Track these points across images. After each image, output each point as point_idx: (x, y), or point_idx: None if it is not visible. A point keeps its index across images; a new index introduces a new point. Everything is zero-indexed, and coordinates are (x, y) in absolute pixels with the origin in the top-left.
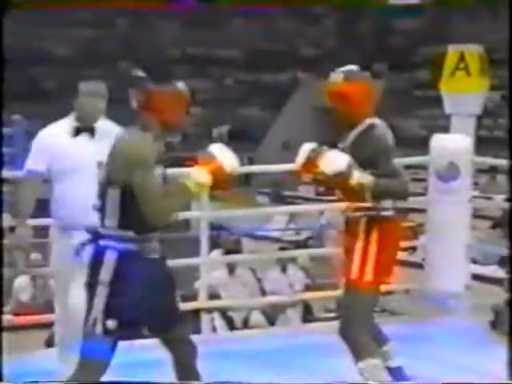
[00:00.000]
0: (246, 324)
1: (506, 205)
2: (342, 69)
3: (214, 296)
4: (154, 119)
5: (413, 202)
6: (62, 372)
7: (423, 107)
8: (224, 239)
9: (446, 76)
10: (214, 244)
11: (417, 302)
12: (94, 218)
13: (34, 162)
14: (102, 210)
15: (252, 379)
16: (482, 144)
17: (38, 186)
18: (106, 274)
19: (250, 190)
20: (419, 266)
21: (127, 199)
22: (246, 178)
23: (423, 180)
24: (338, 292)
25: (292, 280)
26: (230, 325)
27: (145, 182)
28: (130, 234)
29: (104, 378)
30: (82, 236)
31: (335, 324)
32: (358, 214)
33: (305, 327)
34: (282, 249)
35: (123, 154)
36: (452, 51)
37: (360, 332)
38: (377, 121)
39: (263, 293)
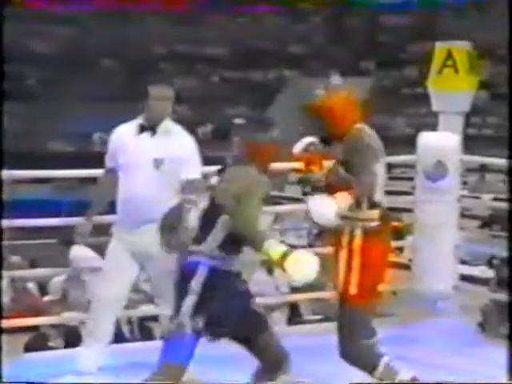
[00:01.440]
0: None
1: (495, 204)
2: (324, 85)
3: None
4: (254, 165)
5: (400, 201)
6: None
7: (410, 105)
8: None
9: (433, 73)
10: None
11: (404, 303)
12: (150, 211)
13: (108, 159)
14: (205, 230)
15: (238, 382)
16: (470, 142)
17: (113, 183)
18: (196, 284)
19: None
20: (406, 266)
21: (232, 225)
22: None
23: (411, 179)
24: (325, 293)
25: (278, 282)
26: None
27: (251, 212)
28: (223, 254)
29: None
30: (140, 231)
31: (322, 326)
32: (341, 223)
33: (291, 329)
34: None
35: (237, 185)
36: (439, 48)
37: (357, 349)
38: (362, 130)
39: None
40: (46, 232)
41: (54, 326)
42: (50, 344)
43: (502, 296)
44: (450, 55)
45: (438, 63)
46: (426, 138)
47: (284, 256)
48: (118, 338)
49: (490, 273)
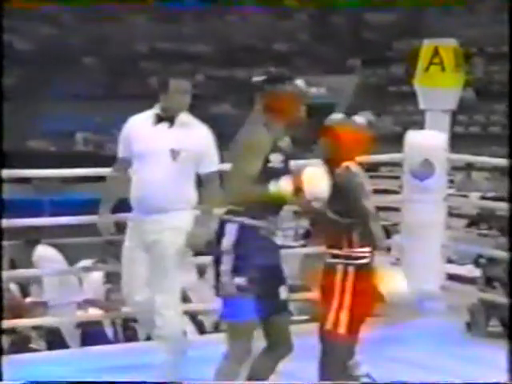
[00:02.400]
0: (216, 328)
1: (482, 202)
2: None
3: (183, 300)
4: (276, 119)
5: (387, 200)
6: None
7: (397, 103)
8: None
9: (420, 71)
10: None
11: (391, 303)
12: (163, 201)
13: (122, 150)
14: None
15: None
16: (457, 140)
17: (125, 173)
18: (227, 243)
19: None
20: (393, 265)
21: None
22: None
23: (397, 178)
24: (311, 294)
25: None
26: (200, 329)
27: (240, 165)
28: (249, 209)
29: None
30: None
31: (309, 326)
32: (334, 260)
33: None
34: None
35: (240, 141)
36: (426, 46)
37: (335, 377)
38: (353, 166)
39: None
40: (28, 232)
41: (35, 328)
42: (32, 346)
43: (490, 295)
44: (436, 53)
45: (425, 61)
46: (412, 137)
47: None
48: (101, 340)
49: (477, 272)
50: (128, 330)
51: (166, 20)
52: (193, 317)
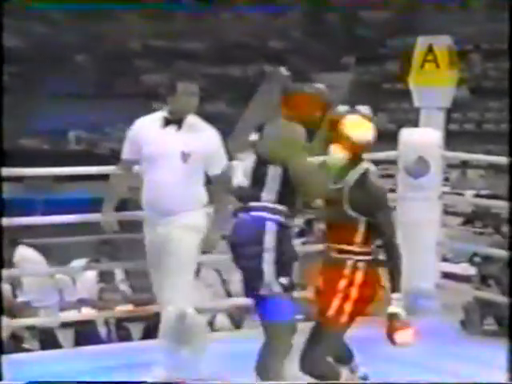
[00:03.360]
0: (210, 327)
1: (477, 200)
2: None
3: None
4: (295, 117)
5: None
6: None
7: (392, 100)
8: None
9: (414, 68)
10: None
11: (386, 301)
12: (175, 203)
13: (126, 151)
14: (257, 185)
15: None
16: (451, 138)
17: (130, 174)
18: (270, 241)
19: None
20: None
21: (286, 178)
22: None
23: (392, 176)
24: (304, 293)
25: None
26: None
27: (305, 166)
28: (285, 208)
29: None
30: (174, 220)
31: (302, 326)
32: (343, 256)
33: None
34: None
35: (285, 138)
36: (420, 43)
37: (326, 368)
38: (372, 167)
39: (229, 295)
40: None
41: (28, 328)
42: (25, 346)
43: (485, 293)
44: (430, 50)
45: (419, 58)
46: (407, 134)
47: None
48: (95, 339)
49: (472, 270)
50: (121, 330)
51: (159, 17)
52: None
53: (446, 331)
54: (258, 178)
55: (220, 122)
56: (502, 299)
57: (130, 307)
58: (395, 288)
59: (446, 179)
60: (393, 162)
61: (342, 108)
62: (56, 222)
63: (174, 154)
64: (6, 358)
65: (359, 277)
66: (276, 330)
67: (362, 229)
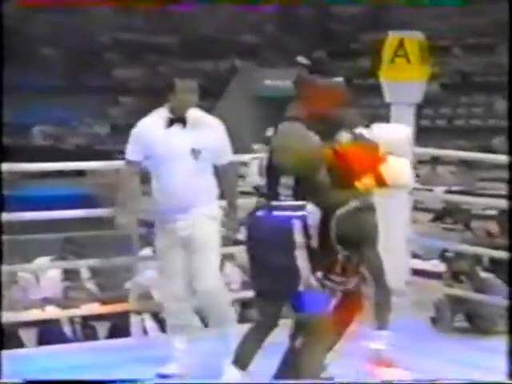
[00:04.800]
0: None
1: (447, 197)
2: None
3: (145, 297)
4: (308, 109)
5: None
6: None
7: (363, 96)
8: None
9: (385, 64)
10: (145, 242)
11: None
12: (191, 199)
13: (132, 152)
14: (272, 183)
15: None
16: (422, 134)
17: (137, 174)
18: (299, 238)
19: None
20: None
21: (301, 186)
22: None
23: None
24: None
25: (229, 278)
26: (162, 327)
27: (321, 178)
28: (303, 203)
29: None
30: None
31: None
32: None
33: (242, 327)
34: None
35: (297, 149)
36: (391, 38)
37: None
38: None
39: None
40: None
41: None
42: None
43: (455, 290)
44: (401, 45)
45: (390, 53)
46: (377, 130)
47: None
48: (60, 338)
49: (442, 267)
50: (87, 329)
51: (129, 10)
52: (154, 314)
53: (417, 328)
54: (272, 176)
55: None
56: (474, 296)
57: (96, 306)
58: (382, 325)
59: (416, 175)
60: None
61: (344, 136)
62: (27, 218)
63: (184, 153)
64: None
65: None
66: (314, 323)
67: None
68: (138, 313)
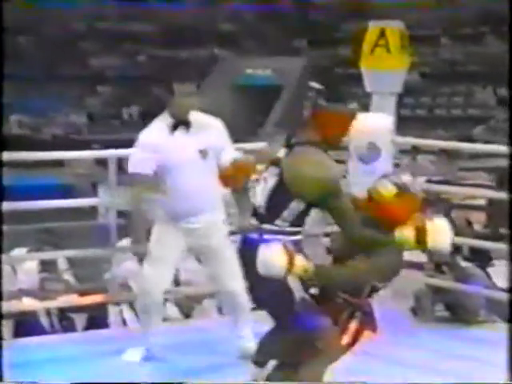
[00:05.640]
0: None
1: (428, 186)
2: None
3: (124, 287)
4: (320, 135)
5: None
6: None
7: (344, 85)
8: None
9: (365, 53)
10: (123, 233)
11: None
12: (205, 201)
13: (142, 164)
14: (274, 210)
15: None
16: (403, 123)
17: (150, 183)
18: None
19: None
20: None
21: (307, 211)
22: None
23: (343, 162)
24: None
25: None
26: None
27: (343, 208)
28: (297, 229)
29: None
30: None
31: (254, 315)
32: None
33: (222, 319)
34: None
35: (314, 176)
36: (372, 27)
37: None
38: None
39: (178, 284)
40: None
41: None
42: None
43: (436, 280)
44: (382, 34)
45: (371, 42)
46: (358, 119)
47: (420, 233)
48: (37, 330)
49: (423, 257)
50: (65, 320)
51: None
52: (132, 305)
53: (397, 318)
54: (277, 203)
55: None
56: (455, 285)
57: (74, 297)
58: None
59: (397, 165)
60: (344, 148)
61: (386, 184)
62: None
63: (193, 155)
64: None
65: (353, 326)
66: (318, 338)
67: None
68: (117, 304)
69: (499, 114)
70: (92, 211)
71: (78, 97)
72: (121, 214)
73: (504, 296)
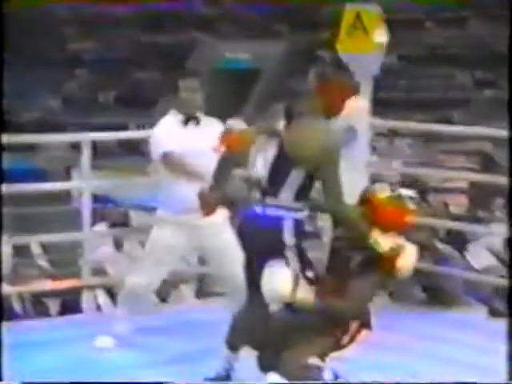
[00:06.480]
0: None
1: (405, 169)
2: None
3: (99, 272)
4: (324, 104)
5: None
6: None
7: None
8: (110, 211)
9: (342, 35)
10: (98, 217)
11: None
12: None
13: (161, 148)
14: (276, 181)
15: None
16: (380, 106)
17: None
18: (290, 240)
19: (140, 158)
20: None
21: (309, 182)
22: (137, 146)
23: None
24: None
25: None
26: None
27: (337, 178)
28: (301, 205)
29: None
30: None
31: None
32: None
33: (200, 303)
34: None
35: (318, 140)
36: (348, 10)
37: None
38: None
39: None
40: None
41: None
42: None
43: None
44: (358, 17)
45: (347, 25)
46: None
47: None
48: (10, 316)
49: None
50: (38, 305)
51: None
52: (109, 290)
53: (374, 301)
54: (278, 174)
55: (151, 89)
56: (432, 268)
57: (48, 282)
58: None
59: (374, 148)
60: None
61: (382, 190)
62: None
63: (206, 149)
64: None
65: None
66: (303, 323)
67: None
68: (91, 288)
69: (479, 97)
70: (66, 196)
71: (54, 80)
72: (95, 198)
73: (481, 278)
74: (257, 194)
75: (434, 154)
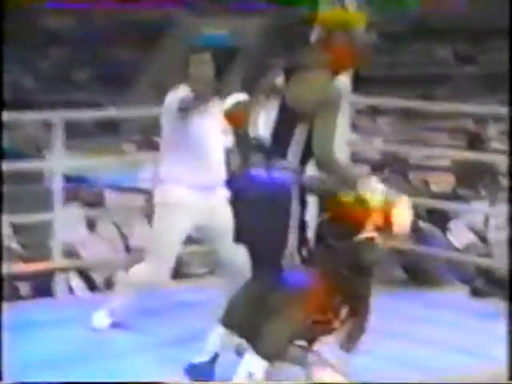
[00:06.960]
0: (108, 285)
1: (386, 147)
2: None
3: (71, 254)
4: (329, 59)
5: None
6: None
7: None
8: (83, 191)
9: (321, 12)
10: (71, 197)
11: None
12: (219, 177)
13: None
14: (281, 140)
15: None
16: (360, 83)
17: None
18: (296, 208)
19: (115, 137)
20: None
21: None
22: (111, 125)
23: None
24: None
25: None
26: (91, 285)
27: (332, 125)
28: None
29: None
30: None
31: (208, 280)
32: None
33: (176, 283)
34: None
35: (320, 87)
36: None
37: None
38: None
39: (129, 250)
40: None
41: None
42: None
43: (394, 242)
44: None
45: (326, 1)
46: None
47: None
48: None
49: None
50: (9, 288)
51: None
52: (81, 272)
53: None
54: (282, 132)
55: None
56: (413, 247)
57: (19, 264)
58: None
59: (354, 125)
60: None
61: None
62: None
63: (217, 128)
64: None
65: None
66: (292, 301)
67: None
68: (64, 271)
69: (461, 73)
70: (38, 176)
71: (28, 58)
72: (67, 178)
73: (462, 257)
74: (260, 156)
75: (416, 131)
